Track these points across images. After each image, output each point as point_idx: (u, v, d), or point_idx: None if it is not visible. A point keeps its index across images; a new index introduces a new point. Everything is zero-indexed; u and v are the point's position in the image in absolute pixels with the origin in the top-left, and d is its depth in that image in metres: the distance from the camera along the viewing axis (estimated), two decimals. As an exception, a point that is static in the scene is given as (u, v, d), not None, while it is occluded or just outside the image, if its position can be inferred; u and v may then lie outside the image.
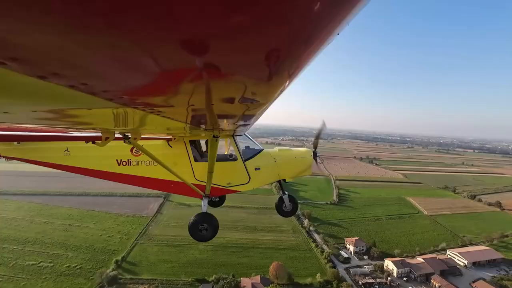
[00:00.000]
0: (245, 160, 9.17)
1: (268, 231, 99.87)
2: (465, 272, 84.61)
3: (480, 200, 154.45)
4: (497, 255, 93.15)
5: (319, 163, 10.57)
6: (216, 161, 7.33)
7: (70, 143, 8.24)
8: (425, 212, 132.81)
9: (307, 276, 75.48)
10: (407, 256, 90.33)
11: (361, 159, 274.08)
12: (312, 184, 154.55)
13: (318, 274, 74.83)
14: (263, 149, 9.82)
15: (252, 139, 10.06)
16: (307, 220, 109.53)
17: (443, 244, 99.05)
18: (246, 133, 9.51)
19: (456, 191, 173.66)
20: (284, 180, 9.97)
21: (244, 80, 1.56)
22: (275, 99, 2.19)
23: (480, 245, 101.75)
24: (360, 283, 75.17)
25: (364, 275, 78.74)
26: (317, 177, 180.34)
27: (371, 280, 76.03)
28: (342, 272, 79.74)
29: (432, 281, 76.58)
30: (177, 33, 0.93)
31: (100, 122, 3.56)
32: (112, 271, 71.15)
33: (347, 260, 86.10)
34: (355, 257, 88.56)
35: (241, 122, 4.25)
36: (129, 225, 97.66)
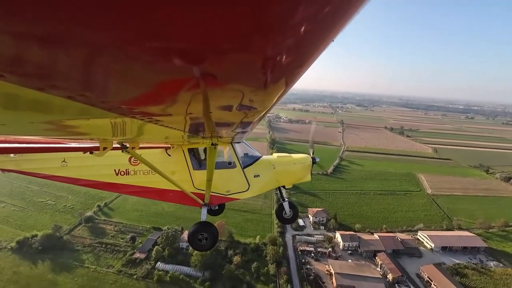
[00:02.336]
0: (244, 168, 9.11)
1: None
2: (427, 255, 78.91)
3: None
4: (481, 243, 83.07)
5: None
6: (215, 169, 7.33)
7: (67, 154, 8.09)
8: (429, 191, 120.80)
9: (249, 237, 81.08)
10: (369, 232, 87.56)
11: (392, 129, 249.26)
12: (316, 154, 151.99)
13: (258, 236, 79.65)
14: (261, 156, 9.78)
15: (250, 146, 9.92)
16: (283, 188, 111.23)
17: (420, 225, 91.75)
18: (244, 140, 9.35)
19: (490, 171, 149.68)
20: (284, 186, 10.05)
21: (242, 88, 1.57)
22: (272, 106, 2.25)
23: (472, 231, 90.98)
24: (299, 249, 77.63)
25: (307, 243, 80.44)
26: (325, 147, 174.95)
27: (311, 249, 77.64)
28: (288, 238, 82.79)
29: (376, 258, 74.41)
30: (174, 43, 0.93)
31: (98, 132, 3.58)
32: (93, 213, 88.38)
33: (300, 228, 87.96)
34: (311, 227, 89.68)
35: (239, 130, 4.28)
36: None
